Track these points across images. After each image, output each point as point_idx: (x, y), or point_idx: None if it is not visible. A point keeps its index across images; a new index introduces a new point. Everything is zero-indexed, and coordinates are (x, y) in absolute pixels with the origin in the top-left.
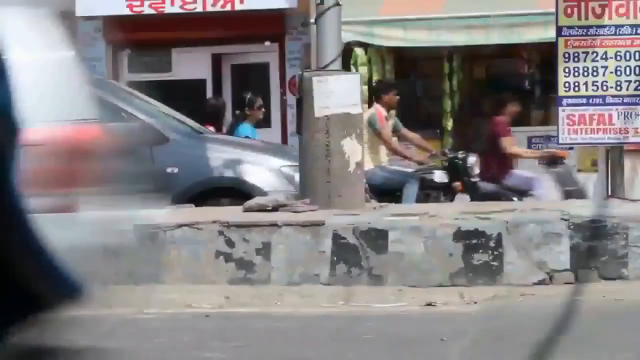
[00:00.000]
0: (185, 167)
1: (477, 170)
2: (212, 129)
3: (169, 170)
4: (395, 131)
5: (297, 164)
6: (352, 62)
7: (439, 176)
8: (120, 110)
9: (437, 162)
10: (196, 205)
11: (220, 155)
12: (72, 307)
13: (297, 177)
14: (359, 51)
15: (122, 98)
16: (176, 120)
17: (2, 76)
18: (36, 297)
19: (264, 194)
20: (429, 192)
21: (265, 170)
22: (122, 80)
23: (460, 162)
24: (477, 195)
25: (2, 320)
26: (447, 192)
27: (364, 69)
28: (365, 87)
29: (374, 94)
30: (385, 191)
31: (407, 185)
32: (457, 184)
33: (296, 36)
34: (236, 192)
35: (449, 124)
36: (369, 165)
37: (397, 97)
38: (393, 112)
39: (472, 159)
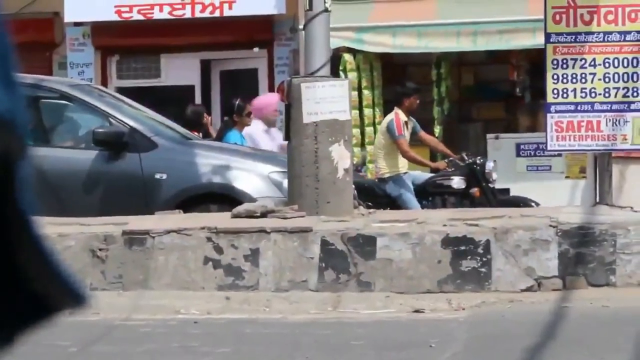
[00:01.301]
0: (174, 173)
1: (495, 176)
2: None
3: (157, 176)
4: (413, 133)
5: (286, 170)
6: (340, 68)
7: (457, 182)
8: (109, 116)
9: (451, 164)
10: (185, 212)
11: (208, 161)
12: (74, 312)
13: (285, 183)
14: (347, 57)
15: (111, 104)
16: (165, 126)
17: (9, 83)
18: (43, 301)
19: (252, 200)
20: (447, 198)
21: (253, 177)
22: (111, 86)
23: (478, 167)
24: (495, 201)
25: (10, 324)
26: (465, 198)
27: (352, 75)
28: (355, 93)
29: (395, 97)
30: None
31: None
32: (475, 190)
33: (285, 42)
34: (225, 198)
35: (437, 130)
36: (386, 174)
37: (418, 102)
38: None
39: (490, 165)
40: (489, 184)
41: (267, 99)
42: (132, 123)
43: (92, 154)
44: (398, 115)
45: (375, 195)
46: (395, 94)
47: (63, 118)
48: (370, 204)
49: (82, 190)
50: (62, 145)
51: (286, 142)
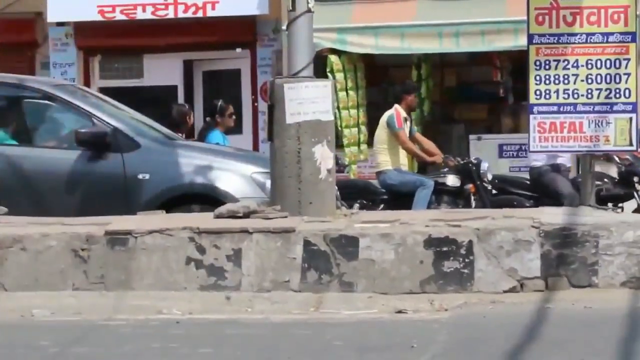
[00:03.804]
0: (156, 174)
1: (489, 176)
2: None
3: (140, 176)
4: (409, 134)
5: (269, 170)
6: (327, 69)
7: (452, 180)
8: (92, 116)
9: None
10: (167, 212)
11: (191, 161)
12: None
13: (268, 183)
14: (333, 58)
15: (93, 104)
16: (147, 126)
17: None
18: None
19: (235, 200)
20: (441, 196)
21: (236, 177)
22: (94, 86)
23: (474, 167)
24: (488, 199)
25: None
26: (459, 196)
27: (340, 76)
28: (344, 94)
29: (396, 94)
30: (400, 194)
31: (420, 189)
32: (470, 186)
33: (268, 43)
34: (207, 198)
35: (418, 130)
36: (387, 167)
37: (417, 100)
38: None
39: (485, 165)
40: (483, 183)
41: None
42: (114, 123)
43: (74, 154)
44: (398, 110)
45: (370, 193)
46: (395, 92)
47: (46, 118)
48: (365, 202)
49: (65, 190)
50: (45, 145)
51: None
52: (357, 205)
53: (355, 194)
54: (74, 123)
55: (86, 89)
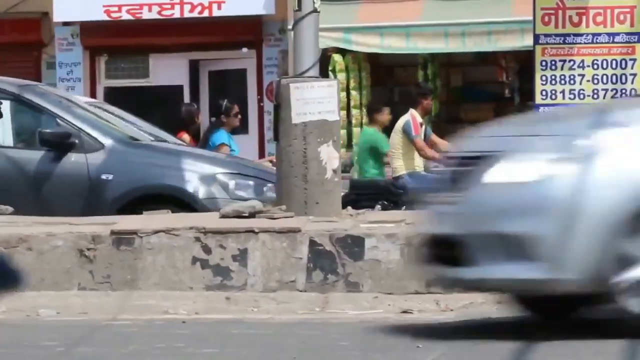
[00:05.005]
0: (120, 174)
1: None
2: (186, 136)
3: (103, 177)
4: (425, 137)
5: (233, 171)
6: (330, 68)
7: None
8: (56, 117)
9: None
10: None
11: (156, 162)
12: (9, 295)
13: (232, 184)
14: (337, 57)
15: (58, 104)
16: (114, 127)
17: None
18: None
19: (199, 201)
20: None
21: (200, 178)
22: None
23: None
24: None
25: None
26: None
27: (342, 76)
28: (344, 94)
29: (412, 98)
30: None
31: None
32: None
33: (274, 43)
34: (171, 199)
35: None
36: (402, 172)
37: (432, 103)
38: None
39: None
40: None
41: None
42: (78, 124)
43: (38, 154)
44: (414, 116)
45: (392, 193)
46: (411, 95)
47: (11, 118)
48: (387, 202)
49: (28, 190)
50: (8, 145)
51: None
52: (378, 207)
53: (377, 194)
54: (39, 123)
55: (54, 89)
